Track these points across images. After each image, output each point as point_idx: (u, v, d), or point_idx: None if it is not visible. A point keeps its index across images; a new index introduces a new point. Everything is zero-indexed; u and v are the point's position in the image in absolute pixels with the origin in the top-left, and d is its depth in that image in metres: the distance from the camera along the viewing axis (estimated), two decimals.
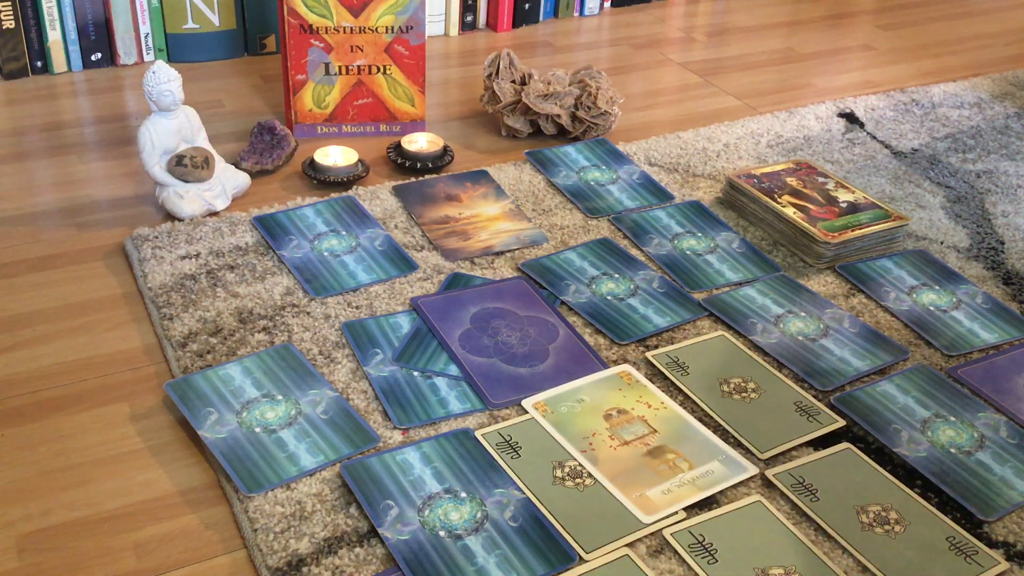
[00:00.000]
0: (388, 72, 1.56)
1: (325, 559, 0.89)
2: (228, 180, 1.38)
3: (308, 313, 1.18)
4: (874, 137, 1.68)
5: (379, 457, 0.98)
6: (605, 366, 1.13)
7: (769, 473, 1.00)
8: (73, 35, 1.72)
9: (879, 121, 1.74)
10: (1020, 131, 1.73)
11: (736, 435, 1.05)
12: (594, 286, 1.26)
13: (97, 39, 1.74)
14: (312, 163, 1.46)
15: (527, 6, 2.05)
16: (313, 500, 0.94)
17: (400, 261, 1.28)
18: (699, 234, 1.38)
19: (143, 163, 1.32)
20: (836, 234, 1.33)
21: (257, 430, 1.01)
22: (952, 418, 1.09)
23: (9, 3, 1.65)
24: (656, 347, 1.17)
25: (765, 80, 1.90)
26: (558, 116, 1.59)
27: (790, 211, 1.37)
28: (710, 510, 0.96)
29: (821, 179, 1.46)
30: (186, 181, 1.33)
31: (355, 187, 1.44)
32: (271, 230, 1.32)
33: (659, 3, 2.25)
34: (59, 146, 1.53)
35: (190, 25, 1.78)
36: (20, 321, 1.17)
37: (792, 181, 1.45)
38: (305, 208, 1.37)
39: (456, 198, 1.42)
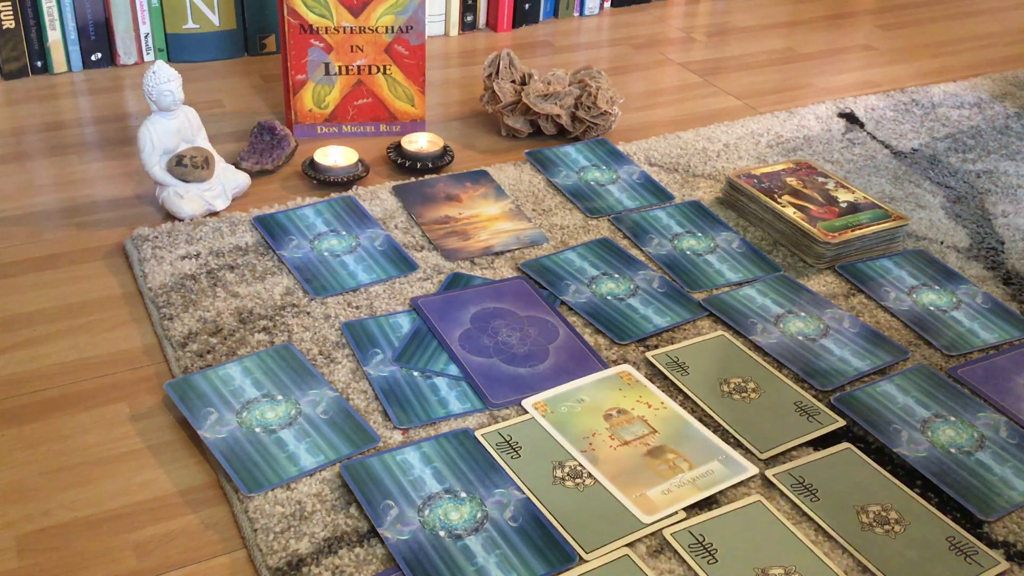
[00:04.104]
0: (388, 72, 1.56)
1: (325, 559, 0.89)
2: (228, 180, 1.38)
3: (308, 313, 1.18)
4: (874, 137, 1.68)
5: (379, 457, 0.98)
6: (605, 366, 1.13)
7: (769, 473, 1.00)
8: (73, 35, 1.72)
9: (879, 121, 1.74)
10: (1020, 131, 1.73)
11: (736, 435, 1.05)
12: (594, 286, 1.26)
13: (97, 39, 1.74)
14: (312, 163, 1.46)
15: (527, 6, 2.05)
16: (313, 500, 0.94)
17: (400, 261, 1.28)
18: (699, 234, 1.38)
19: (143, 163, 1.32)
20: (836, 234, 1.33)
21: (257, 430, 1.01)
22: (952, 418, 1.09)
23: (9, 3, 1.65)
24: (656, 347, 1.17)
25: (765, 80, 1.90)
26: (558, 116, 1.59)
27: (790, 211, 1.37)
28: (710, 510, 0.96)
29: (821, 179, 1.46)
30: (186, 181, 1.33)
31: (355, 187, 1.44)
32: (271, 230, 1.32)
33: (659, 3, 2.25)
34: (59, 146, 1.53)
35: (190, 25, 1.78)
36: (20, 321, 1.17)
37: (792, 181, 1.45)
38: (305, 208, 1.37)
39: (456, 198, 1.42)
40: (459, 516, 0.93)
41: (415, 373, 1.10)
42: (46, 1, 1.67)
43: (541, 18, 2.10)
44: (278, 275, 1.24)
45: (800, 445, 1.05)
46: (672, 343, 1.18)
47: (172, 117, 1.32)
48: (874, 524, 0.96)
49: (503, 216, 1.39)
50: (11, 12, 1.66)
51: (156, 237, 1.29)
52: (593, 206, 1.43)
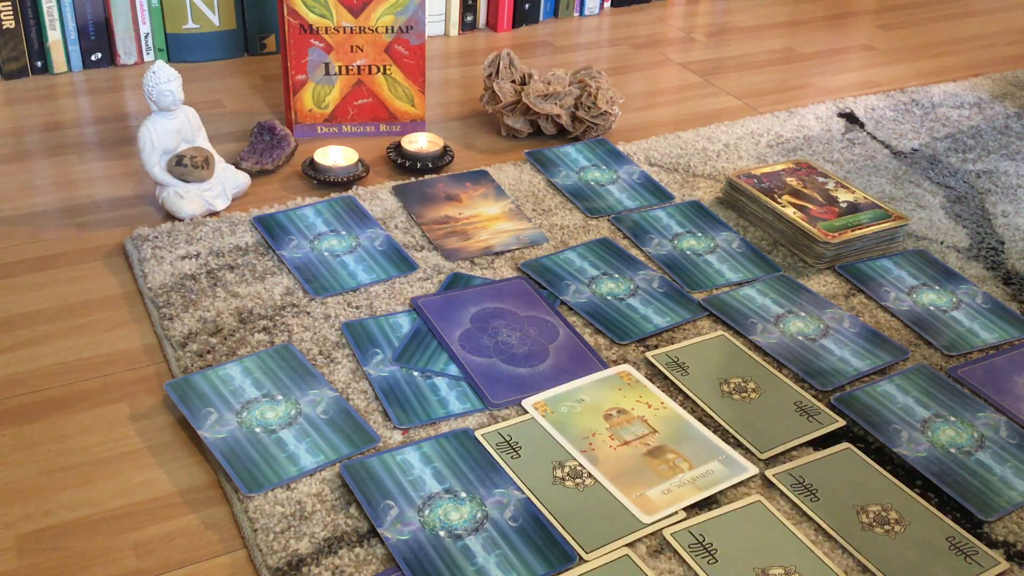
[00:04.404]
0: (388, 72, 1.56)
1: (325, 559, 0.89)
2: (228, 180, 1.38)
3: (308, 313, 1.18)
4: (874, 137, 1.68)
5: (379, 457, 0.99)
6: (605, 366, 1.13)
7: (769, 473, 1.00)
8: (73, 35, 1.72)
9: (879, 121, 1.74)
10: (1020, 131, 1.73)
11: (736, 435, 1.05)
12: (594, 286, 1.26)
13: (97, 39, 1.74)
14: (312, 163, 1.46)
15: (527, 6, 2.05)
16: (313, 500, 0.94)
17: (400, 261, 1.28)
18: (699, 234, 1.38)
19: (143, 163, 1.32)
20: (836, 234, 1.33)
21: (257, 430, 1.01)
22: (952, 418, 1.09)
23: (9, 3, 1.65)
24: (656, 347, 1.17)
25: (765, 80, 1.90)
26: (558, 116, 1.59)
27: (790, 211, 1.37)
28: (710, 510, 0.96)
29: (821, 179, 1.46)
30: (186, 181, 1.33)
31: (355, 187, 1.44)
32: (271, 230, 1.32)
33: (659, 3, 2.25)
34: (59, 146, 1.53)
35: (190, 25, 1.78)
36: (20, 321, 1.17)
37: (792, 181, 1.45)
38: (305, 208, 1.37)
39: (456, 198, 1.42)
40: (459, 516, 0.93)
41: (415, 373, 1.10)
42: (46, 1, 1.67)
43: (541, 18, 2.10)
44: (278, 275, 1.24)
45: (800, 445, 1.05)
46: (672, 343, 1.18)
47: (172, 117, 1.32)
48: (874, 524, 0.96)
49: (503, 216, 1.39)
50: (11, 12, 1.66)
51: (156, 237, 1.29)
52: (593, 206, 1.43)
